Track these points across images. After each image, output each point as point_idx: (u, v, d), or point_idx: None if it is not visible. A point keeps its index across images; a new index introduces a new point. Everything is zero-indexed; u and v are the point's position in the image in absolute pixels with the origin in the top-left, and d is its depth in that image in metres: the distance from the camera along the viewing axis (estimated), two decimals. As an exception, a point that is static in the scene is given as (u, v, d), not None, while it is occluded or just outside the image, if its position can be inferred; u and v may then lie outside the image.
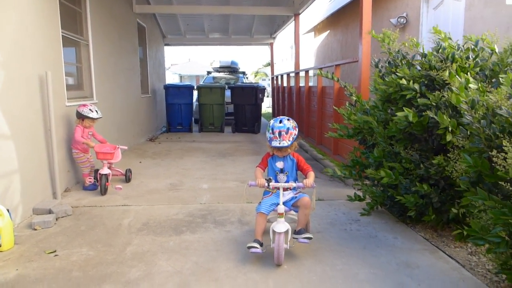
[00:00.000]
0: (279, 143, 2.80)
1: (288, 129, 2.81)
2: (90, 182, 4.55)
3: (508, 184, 1.96)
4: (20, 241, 3.12)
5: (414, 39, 3.49)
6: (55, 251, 2.93)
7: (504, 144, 2.00)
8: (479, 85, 2.64)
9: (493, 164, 2.11)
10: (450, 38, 3.32)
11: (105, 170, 4.40)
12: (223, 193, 4.49)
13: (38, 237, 3.21)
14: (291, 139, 2.82)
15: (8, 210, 3.04)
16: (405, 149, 3.25)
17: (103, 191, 4.34)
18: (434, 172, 2.97)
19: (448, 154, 2.78)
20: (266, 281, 2.48)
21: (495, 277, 2.55)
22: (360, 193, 3.87)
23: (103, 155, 4.50)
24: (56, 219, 3.57)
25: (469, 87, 2.66)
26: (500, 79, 2.57)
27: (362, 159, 3.89)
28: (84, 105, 4.55)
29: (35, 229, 3.34)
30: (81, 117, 4.48)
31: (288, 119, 2.88)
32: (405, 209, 3.39)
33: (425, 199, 3.06)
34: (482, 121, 2.25)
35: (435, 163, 2.87)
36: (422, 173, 3.04)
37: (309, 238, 2.79)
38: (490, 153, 2.11)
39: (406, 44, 3.45)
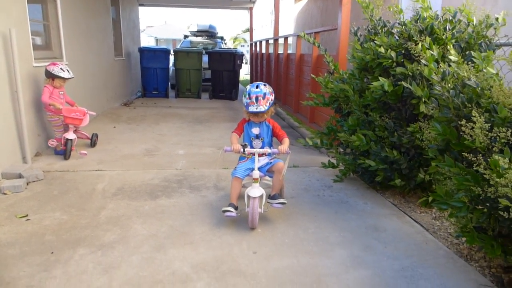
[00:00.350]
0: (256, 108, 2.80)
1: (265, 94, 2.81)
2: (52, 145, 4.40)
3: (471, 154, 2.05)
4: (-11, 205, 3.05)
5: (399, 5, 3.46)
6: (26, 216, 2.89)
7: (473, 114, 2.07)
8: (458, 57, 2.67)
9: (460, 133, 2.19)
10: (430, 8, 3.32)
11: (71, 135, 4.30)
12: (199, 159, 4.49)
13: (8, 201, 3.14)
14: (268, 104, 2.82)
15: (-25, 174, 2.94)
16: (380, 117, 3.32)
17: (68, 156, 4.26)
18: (406, 141, 3.06)
19: (419, 123, 2.85)
20: (240, 244, 2.55)
21: (455, 240, 2.72)
22: (334, 161, 3.96)
23: (72, 120, 4.32)
24: (27, 184, 3.49)
25: (448, 59, 2.70)
26: (452, 57, 2.62)
27: (337, 127, 3.95)
28: (54, 64, 4.33)
29: (5, 194, 3.26)
30: (51, 76, 4.26)
31: (264, 85, 2.87)
32: (375, 176, 3.50)
33: (394, 165, 3.16)
34: (451, 91, 2.31)
35: (410, 131, 2.94)
36: (395, 140, 3.13)
37: (283, 203, 2.86)
38: (459, 122, 2.18)
39: (391, 9, 3.43)
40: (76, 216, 2.90)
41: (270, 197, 2.92)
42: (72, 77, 4.46)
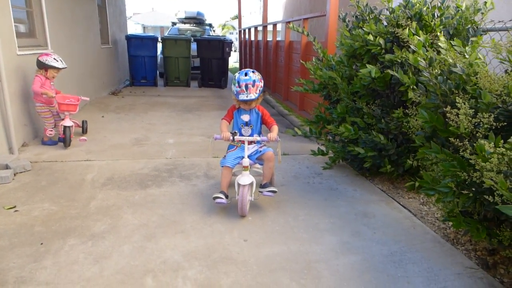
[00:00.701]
0: (247, 96, 2.78)
1: (254, 81, 2.79)
2: (51, 134, 4.35)
3: (458, 139, 2.08)
4: (-24, 197, 3.00)
5: None
6: (15, 207, 2.85)
7: (457, 100, 2.09)
8: (448, 43, 2.69)
9: (446, 120, 2.22)
10: None
11: (67, 122, 4.26)
12: (189, 148, 4.47)
13: (-4, 193, 3.10)
14: (257, 91, 2.81)
15: (-40, 166, 2.89)
16: (367, 105, 3.34)
17: (68, 143, 4.25)
18: (394, 127, 3.09)
19: (406, 110, 2.88)
20: (231, 232, 2.57)
21: (442, 224, 2.78)
22: (323, 148, 3.98)
23: (66, 106, 4.28)
24: (14, 175, 3.44)
25: (437, 45, 2.71)
26: (441, 43, 2.63)
27: (326, 114, 3.97)
28: (46, 54, 4.25)
29: (-8, 185, 3.22)
30: (44, 67, 4.19)
31: (253, 72, 2.85)
32: (364, 163, 3.54)
33: (383, 152, 3.20)
34: (439, 77, 2.33)
35: (395, 117, 2.97)
36: (383, 127, 3.16)
37: (274, 192, 2.87)
38: (444, 109, 2.21)
39: None
40: (65, 207, 2.87)
41: (261, 186, 2.93)
42: (65, 67, 4.37)
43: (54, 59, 4.24)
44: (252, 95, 2.79)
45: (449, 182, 2.08)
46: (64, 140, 4.26)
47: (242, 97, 2.79)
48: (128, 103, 7.37)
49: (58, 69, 4.26)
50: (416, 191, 3.21)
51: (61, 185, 3.28)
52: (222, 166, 2.87)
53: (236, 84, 2.81)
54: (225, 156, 2.93)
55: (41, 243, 2.37)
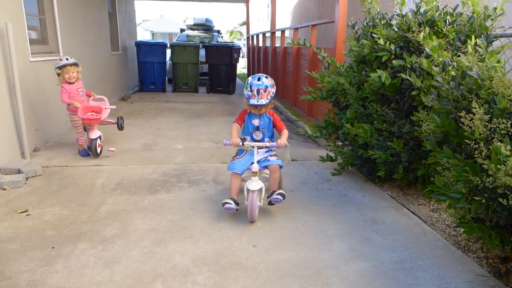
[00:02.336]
0: (257, 101, 2.78)
1: (266, 87, 2.79)
2: (82, 142, 4.22)
3: (473, 142, 2.06)
4: (-11, 201, 3.05)
5: None
6: (26, 211, 2.89)
7: (473, 105, 2.08)
8: (451, 53, 2.67)
9: (459, 125, 2.20)
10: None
11: (94, 134, 4.10)
12: (198, 153, 4.49)
13: (8, 197, 3.14)
14: (269, 97, 2.81)
15: (-27, 170, 2.94)
16: (377, 111, 3.32)
17: (95, 154, 4.13)
18: (406, 131, 3.06)
19: (417, 114, 2.86)
20: (240, 237, 2.57)
21: (453, 231, 2.74)
22: (332, 154, 3.97)
23: (88, 121, 4.06)
24: (26, 179, 3.49)
25: (442, 53, 2.70)
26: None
27: (335, 120, 3.96)
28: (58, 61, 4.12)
29: (5, 189, 3.26)
30: (58, 72, 4.03)
31: (266, 77, 2.84)
32: (374, 169, 3.52)
33: (395, 157, 3.17)
34: (451, 83, 2.32)
35: (414, 120, 2.92)
36: (395, 131, 3.13)
37: (282, 195, 2.81)
38: (458, 114, 2.19)
39: (394, 0, 3.41)
40: (76, 211, 2.90)
41: (269, 196, 2.87)
42: (73, 63, 4.07)
43: (60, 59, 4.09)
44: (263, 101, 2.79)
45: (461, 188, 2.06)
46: (92, 151, 4.15)
47: (253, 101, 2.79)
48: (137, 109, 7.43)
49: (65, 66, 4.00)
50: (426, 197, 3.17)
51: (72, 190, 3.32)
52: (230, 172, 2.88)
53: (248, 88, 2.81)
54: (232, 161, 2.93)
55: (52, 247, 2.39)
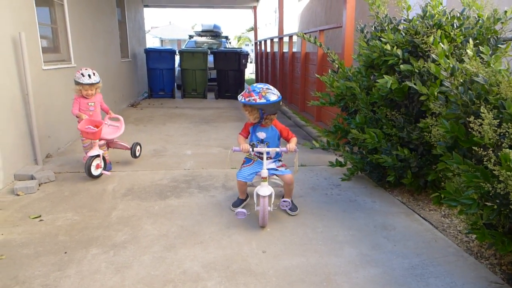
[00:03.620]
0: (241, 99, 2.75)
1: (258, 91, 2.74)
2: (84, 160, 3.81)
3: (481, 149, 2.05)
4: (3, 206, 3.10)
5: (407, 1, 3.44)
6: (39, 216, 2.94)
7: (481, 110, 2.07)
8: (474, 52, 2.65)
9: (469, 130, 2.19)
10: (441, 4, 3.29)
11: (94, 151, 3.70)
12: (207, 159, 4.52)
13: (22, 202, 3.19)
14: (251, 100, 2.71)
15: (-12, 176, 3.00)
16: (387, 115, 3.31)
17: (88, 173, 3.63)
18: (416, 137, 3.05)
19: (426, 120, 2.85)
20: (249, 243, 2.57)
21: (465, 237, 2.71)
22: (341, 159, 3.96)
23: (86, 134, 3.73)
24: (39, 185, 3.54)
25: (459, 53, 2.69)
26: (468, 50, 2.60)
27: (344, 125, 3.96)
28: (78, 71, 3.85)
29: (18, 195, 3.32)
30: (76, 84, 3.81)
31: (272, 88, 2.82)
32: (384, 174, 3.50)
33: (403, 163, 3.16)
34: (459, 87, 2.30)
35: (421, 126, 2.92)
36: (404, 136, 3.12)
37: (293, 209, 2.95)
38: (467, 119, 2.18)
39: (400, 5, 3.41)
40: (87, 217, 2.94)
41: (282, 200, 2.92)
42: (95, 82, 3.84)
43: (81, 74, 3.78)
44: (242, 98, 2.74)
45: (472, 194, 2.04)
46: (85, 170, 3.66)
47: (240, 98, 2.76)
48: (146, 115, 7.51)
49: (83, 85, 3.78)
50: (437, 202, 3.14)
51: (83, 196, 3.36)
52: (238, 179, 2.94)
53: (248, 90, 2.78)
54: (240, 169, 2.98)
55: (65, 252, 2.43)
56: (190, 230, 2.75)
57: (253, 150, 2.82)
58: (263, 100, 2.71)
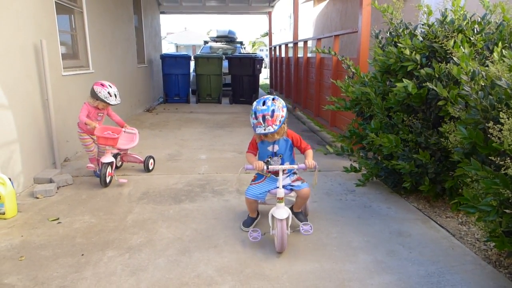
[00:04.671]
0: (264, 130, 2.45)
1: (273, 111, 2.44)
2: (89, 168, 3.93)
3: (498, 158, 2.01)
4: (23, 209, 3.18)
5: (430, 5, 3.40)
6: (58, 219, 3.00)
7: (500, 116, 2.03)
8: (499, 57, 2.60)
9: (488, 136, 2.15)
10: (462, 9, 3.24)
11: (107, 158, 3.69)
12: (221, 164, 4.54)
13: (41, 205, 3.27)
14: (277, 122, 2.45)
15: (10, 179, 3.08)
16: (403, 121, 3.27)
17: (103, 183, 3.65)
18: (434, 142, 3.00)
19: (446, 125, 2.80)
20: (263, 247, 2.57)
21: (483, 245, 2.65)
22: (356, 165, 3.93)
23: (104, 140, 3.69)
24: (58, 188, 3.63)
25: (481, 56, 2.65)
26: (495, 54, 2.56)
27: (359, 130, 3.93)
28: (102, 85, 3.76)
29: (37, 198, 3.40)
30: (95, 97, 3.76)
31: (273, 99, 2.52)
32: (399, 180, 3.46)
33: (420, 168, 3.11)
34: (479, 92, 2.27)
35: (441, 131, 2.86)
36: (422, 141, 3.08)
37: (311, 226, 2.74)
38: (486, 124, 2.14)
39: (421, 8, 3.38)
40: (104, 220, 2.99)
41: (293, 212, 2.74)
42: (117, 103, 3.87)
43: (109, 93, 3.74)
44: (271, 128, 2.43)
45: (491, 200, 2.00)
46: (100, 178, 3.68)
47: (259, 130, 2.46)
48: (162, 120, 7.60)
49: (109, 104, 3.81)
50: (456, 209, 3.08)
51: (100, 199, 3.42)
52: (247, 198, 2.72)
53: (253, 116, 2.49)
54: (251, 185, 2.75)
55: (82, 254, 2.47)
56: (204, 234, 2.77)
57: (268, 168, 2.52)
58: (277, 124, 2.46)
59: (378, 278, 2.25)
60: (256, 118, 2.47)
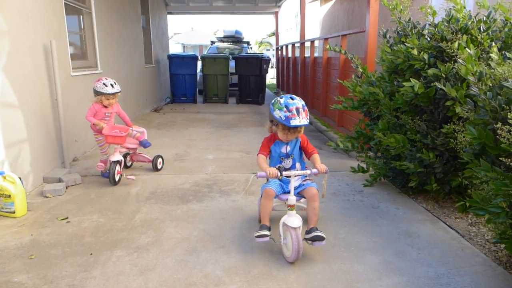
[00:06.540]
0: (299, 121, 2.38)
1: (303, 105, 2.45)
2: (99, 168, 3.89)
3: (508, 159, 1.98)
4: (33, 208, 3.22)
5: (433, 7, 3.39)
6: (67, 218, 3.03)
7: (509, 116, 2.01)
8: (499, 57, 2.58)
9: (497, 137, 2.13)
10: (464, 7, 3.22)
11: (116, 157, 3.74)
12: (228, 164, 4.55)
13: (50, 204, 3.31)
14: (308, 116, 2.48)
15: (20, 178, 3.12)
16: (413, 119, 3.25)
17: (112, 181, 3.72)
18: (440, 143, 2.98)
19: (453, 126, 2.78)
20: (271, 248, 2.57)
21: (493, 247, 2.62)
22: (363, 165, 3.91)
23: (112, 138, 3.72)
24: (66, 188, 3.66)
25: (486, 58, 2.62)
26: (493, 54, 2.53)
27: (366, 131, 3.91)
28: (98, 80, 3.81)
29: (47, 197, 3.44)
30: (96, 94, 3.80)
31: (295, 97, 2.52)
32: (407, 180, 3.44)
33: (428, 168, 3.09)
34: (488, 93, 2.25)
35: (444, 132, 2.85)
36: (428, 143, 3.06)
37: (323, 239, 2.41)
38: (495, 125, 2.12)
39: (423, 10, 3.36)
40: (112, 219, 3.01)
41: (307, 231, 2.46)
42: (117, 92, 3.87)
43: (104, 84, 3.76)
44: (305, 120, 2.41)
45: (501, 202, 1.98)
46: (109, 177, 3.74)
47: (295, 122, 2.37)
48: (169, 120, 7.64)
49: (108, 95, 3.77)
50: (462, 211, 3.05)
51: (108, 198, 3.45)
52: (264, 190, 2.56)
53: (284, 109, 2.40)
54: (263, 184, 2.66)
55: (91, 253, 2.49)
56: (211, 234, 2.77)
57: (281, 175, 2.40)
58: (308, 117, 2.47)
59: (387, 279, 2.23)
60: (290, 110, 2.39)
